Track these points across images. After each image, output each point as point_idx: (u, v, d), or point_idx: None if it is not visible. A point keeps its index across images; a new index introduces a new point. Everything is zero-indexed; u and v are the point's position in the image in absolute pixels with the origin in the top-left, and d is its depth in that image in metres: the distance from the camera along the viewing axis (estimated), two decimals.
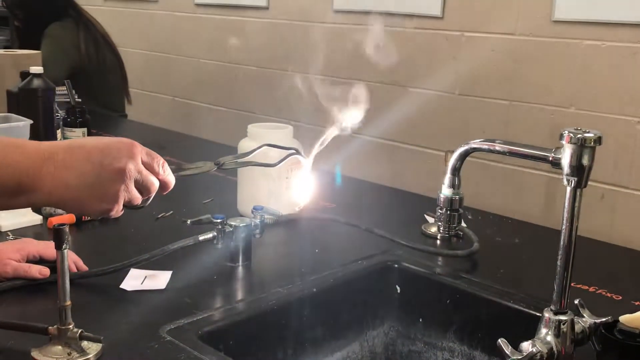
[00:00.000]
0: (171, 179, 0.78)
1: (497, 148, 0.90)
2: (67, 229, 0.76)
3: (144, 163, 0.74)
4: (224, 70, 2.81)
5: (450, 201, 1.08)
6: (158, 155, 0.76)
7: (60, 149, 0.71)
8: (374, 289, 1.07)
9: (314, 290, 0.99)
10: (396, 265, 1.08)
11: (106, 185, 0.71)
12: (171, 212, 1.29)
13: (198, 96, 2.93)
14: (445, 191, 1.05)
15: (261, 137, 1.23)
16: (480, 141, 0.92)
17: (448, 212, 1.09)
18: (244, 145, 1.25)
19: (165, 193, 0.79)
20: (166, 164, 0.77)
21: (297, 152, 0.98)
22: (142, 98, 2.59)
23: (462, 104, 2.17)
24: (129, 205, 0.75)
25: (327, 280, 1.02)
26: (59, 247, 0.77)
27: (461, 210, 1.11)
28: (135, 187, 0.73)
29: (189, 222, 1.03)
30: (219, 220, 1.03)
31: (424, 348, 1.05)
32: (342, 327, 1.03)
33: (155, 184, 0.75)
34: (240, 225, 1.04)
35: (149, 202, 0.77)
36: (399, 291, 1.08)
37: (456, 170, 0.99)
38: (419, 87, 2.27)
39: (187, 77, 2.95)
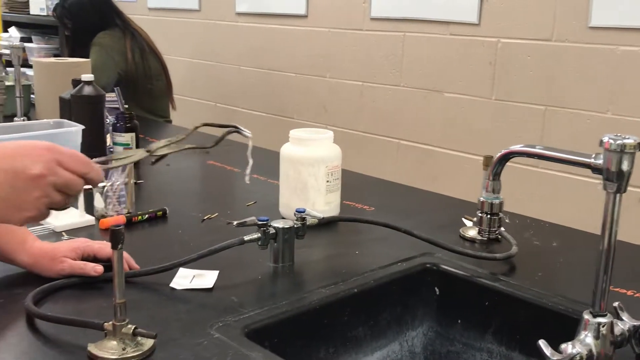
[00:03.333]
0: (96, 175, 0.76)
1: (537, 153, 0.91)
2: (123, 229, 0.80)
3: (62, 164, 0.72)
4: (263, 77, 2.86)
5: (491, 205, 1.10)
6: (78, 154, 0.74)
7: None
8: (413, 291, 1.09)
9: (355, 290, 1.02)
10: (435, 268, 1.11)
11: (22, 194, 0.70)
12: (216, 214, 1.34)
13: (239, 102, 2.99)
14: (486, 195, 1.07)
15: (303, 143, 1.27)
16: (521, 146, 0.94)
17: (489, 216, 1.11)
18: (286, 150, 1.29)
19: (95, 187, 0.78)
20: (90, 161, 0.76)
21: (236, 130, 0.97)
22: (186, 104, 2.66)
23: (498, 109, 2.18)
24: (54, 207, 0.74)
25: (367, 281, 1.04)
26: (115, 246, 0.80)
27: (502, 214, 1.12)
28: (56, 189, 0.72)
29: (235, 223, 1.07)
30: (263, 222, 1.06)
31: (462, 349, 1.07)
32: (382, 327, 1.06)
33: (79, 183, 0.74)
34: (284, 227, 1.08)
35: (77, 200, 0.77)
36: (437, 293, 1.10)
37: (497, 175, 1.01)
38: (455, 92, 2.29)
39: (229, 84, 3.02)
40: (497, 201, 1.09)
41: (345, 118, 2.58)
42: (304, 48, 2.70)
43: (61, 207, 0.74)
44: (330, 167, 1.26)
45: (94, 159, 0.77)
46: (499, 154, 0.96)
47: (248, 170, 1.01)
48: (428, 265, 1.11)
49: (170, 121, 2.61)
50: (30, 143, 0.73)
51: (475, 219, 1.20)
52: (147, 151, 0.80)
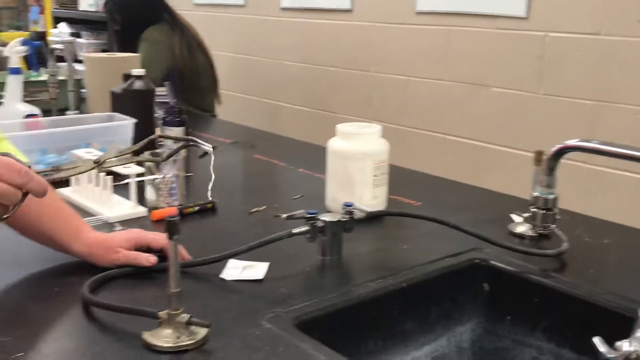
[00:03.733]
0: (36, 186, 0.73)
1: (594, 148, 0.90)
2: (178, 220, 0.82)
3: None
4: (307, 72, 2.88)
5: (545, 201, 1.09)
6: (14, 164, 0.71)
7: None
8: (462, 286, 1.09)
9: (404, 285, 1.02)
10: (484, 263, 1.10)
11: None
12: (264, 207, 1.36)
13: (283, 97, 3.00)
14: (540, 190, 1.06)
15: (351, 137, 1.27)
16: (577, 141, 0.93)
17: (543, 212, 1.10)
18: (334, 144, 1.29)
19: (42, 197, 0.75)
20: (29, 171, 0.73)
21: (192, 144, 0.95)
22: (231, 99, 2.69)
23: (547, 104, 2.15)
24: None
25: (416, 276, 1.04)
26: (170, 237, 0.82)
27: (556, 210, 1.11)
28: None
29: (284, 216, 1.08)
30: (312, 215, 1.07)
31: (511, 345, 1.06)
32: (430, 321, 1.06)
33: (13, 193, 0.71)
34: (332, 220, 1.08)
35: (15, 210, 0.74)
36: (487, 288, 1.10)
37: (552, 170, 1.00)
38: (502, 87, 2.26)
39: (273, 79, 3.04)
40: (551, 196, 1.08)
41: (390, 112, 2.57)
42: (348, 42, 2.70)
43: (1, 217, 0.72)
44: (377, 161, 1.26)
45: (38, 169, 0.74)
46: (555, 149, 0.95)
47: (210, 186, 1.00)
48: (477, 261, 1.10)
49: (215, 115, 2.64)
50: None
51: (525, 214, 1.19)
52: (95, 162, 0.78)
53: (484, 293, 1.10)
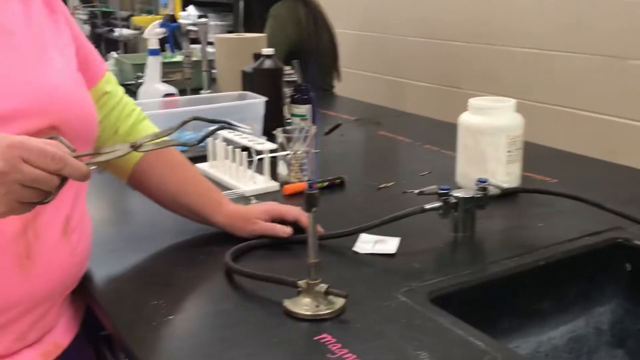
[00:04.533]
0: (73, 171, 0.72)
1: None
2: (317, 194, 0.84)
3: (28, 161, 0.69)
4: (430, 47, 2.83)
5: None
6: (48, 150, 0.70)
7: None
8: (603, 266, 1.05)
9: (541, 263, 1.00)
10: (627, 243, 1.05)
11: None
12: (392, 182, 1.36)
13: (404, 73, 2.98)
14: None
15: (484, 111, 1.24)
16: None
17: None
18: (465, 119, 1.27)
19: (84, 181, 0.74)
20: (63, 157, 0.71)
21: (228, 126, 0.91)
22: (352, 76, 2.69)
23: None
24: (30, 202, 0.71)
25: (553, 255, 1.01)
26: (309, 209, 0.84)
27: None
28: (24, 186, 0.69)
29: (416, 192, 1.08)
30: (444, 191, 1.07)
31: None
32: (567, 302, 1.03)
33: (50, 179, 0.70)
34: (465, 196, 1.07)
35: (55, 194, 0.72)
36: (629, 269, 1.05)
37: None
38: (639, 59, 2.12)
39: (395, 55, 3.02)
40: None
41: (517, 87, 2.48)
42: (472, 16, 2.63)
43: (39, 201, 0.71)
44: (511, 136, 1.23)
45: (76, 154, 0.73)
46: None
47: (253, 168, 0.98)
48: (619, 240, 1.06)
49: (333, 93, 2.64)
50: None
51: None
52: (132, 146, 0.77)
53: (625, 274, 1.05)
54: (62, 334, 0.94)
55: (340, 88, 2.71)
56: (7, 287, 0.82)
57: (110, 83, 1.08)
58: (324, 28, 2.52)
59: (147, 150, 0.77)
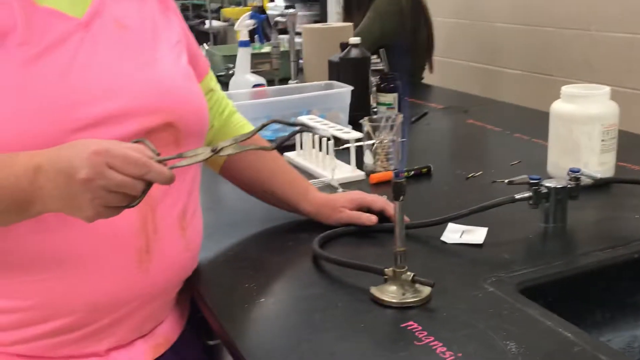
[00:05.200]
0: (156, 176, 0.72)
1: None
2: (404, 183, 0.85)
3: (113, 167, 0.70)
4: (521, 34, 2.76)
5: None
6: (132, 156, 0.71)
7: (45, 160, 0.71)
8: None
9: (635, 256, 0.96)
10: None
11: (77, 196, 0.70)
12: (480, 172, 1.35)
13: (495, 60, 2.92)
14: None
15: (577, 99, 1.21)
16: None
17: None
18: (558, 107, 1.24)
19: (168, 184, 0.75)
20: (147, 162, 0.72)
21: (305, 129, 0.88)
22: (440, 64, 2.65)
23: None
24: (118, 206, 0.72)
25: None
26: (396, 198, 0.85)
27: None
28: (110, 191, 0.70)
29: (506, 181, 1.07)
30: (535, 181, 1.05)
31: None
32: None
33: (134, 184, 0.71)
34: (556, 186, 1.05)
35: (142, 198, 0.73)
36: None
37: None
38: None
39: (484, 41, 2.96)
40: None
41: (612, 74, 2.38)
42: (566, 1, 2.54)
43: (126, 206, 0.73)
44: (606, 125, 1.19)
45: (160, 157, 0.74)
46: None
47: (333, 175, 0.98)
48: None
49: (422, 83, 2.60)
50: (83, 144, 0.71)
51: None
52: (212, 150, 0.77)
53: None
54: (172, 328, 0.97)
55: (428, 76, 2.68)
56: (128, 281, 0.85)
57: (213, 79, 1.12)
58: (424, 23, 2.46)
59: (227, 155, 0.79)
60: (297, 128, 0.85)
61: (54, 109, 0.78)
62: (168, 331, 0.96)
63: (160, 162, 0.74)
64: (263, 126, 0.80)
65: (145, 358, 0.91)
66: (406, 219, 1.08)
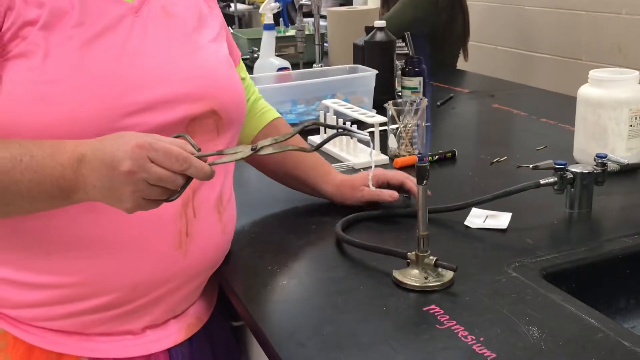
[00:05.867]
0: (196, 171, 0.73)
1: None
2: (428, 166, 0.84)
3: (154, 161, 0.71)
4: (551, 17, 2.72)
5: None
6: (173, 151, 0.72)
7: (89, 150, 0.72)
8: None
9: None
10: None
11: (118, 187, 0.71)
12: (505, 157, 1.34)
13: (524, 44, 2.88)
14: None
15: (605, 84, 1.19)
16: None
17: None
18: (585, 92, 1.22)
19: (207, 180, 0.76)
20: (188, 157, 0.73)
21: (344, 133, 0.88)
22: (471, 48, 2.61)
23: None
24: (157, 199, 0.73)
25: None
26: (420, 182, 0.85)
27: None
28: (150, 184, 0.71)
29: (530, 166, 1.06)
30: (560, 166, 1.04)
31: None
32: None
33: (175, 179, 0.72)
34: (582, 171, 1.04)
35: (181, 193, 0.74)
36: None
37: None
38: None
39: (514, 25, 2.92)
40: None
41: None
42: None
43: (165, 199, 0.74)
44: (634, 110, 1.17)
45: (201, 153, 0.75)
46: None
47: (370, 175, 0.99)
48: None
49: (455, 69, 2.55)
50: (127, 136, 0.72)
51: None
52: (252, 149, 0.78)
53: None
54: (204, 309, 0.99)
55: (467, 64, 2.64)
56: (167, 262, 0.87)
57: (243, 69, 1.13)
58: (460, 11, 2.43)
59: (266, 154, 0.79)
60: (338, 132, 0.85)
61: (106, 93, 0.79)
62: (200, 311, 0.98)
63: (200, 157, 0.75)
64: (304, 127, 0.82)
65: (179, 336, 0.93)
66: (429, 192, 1.08)
